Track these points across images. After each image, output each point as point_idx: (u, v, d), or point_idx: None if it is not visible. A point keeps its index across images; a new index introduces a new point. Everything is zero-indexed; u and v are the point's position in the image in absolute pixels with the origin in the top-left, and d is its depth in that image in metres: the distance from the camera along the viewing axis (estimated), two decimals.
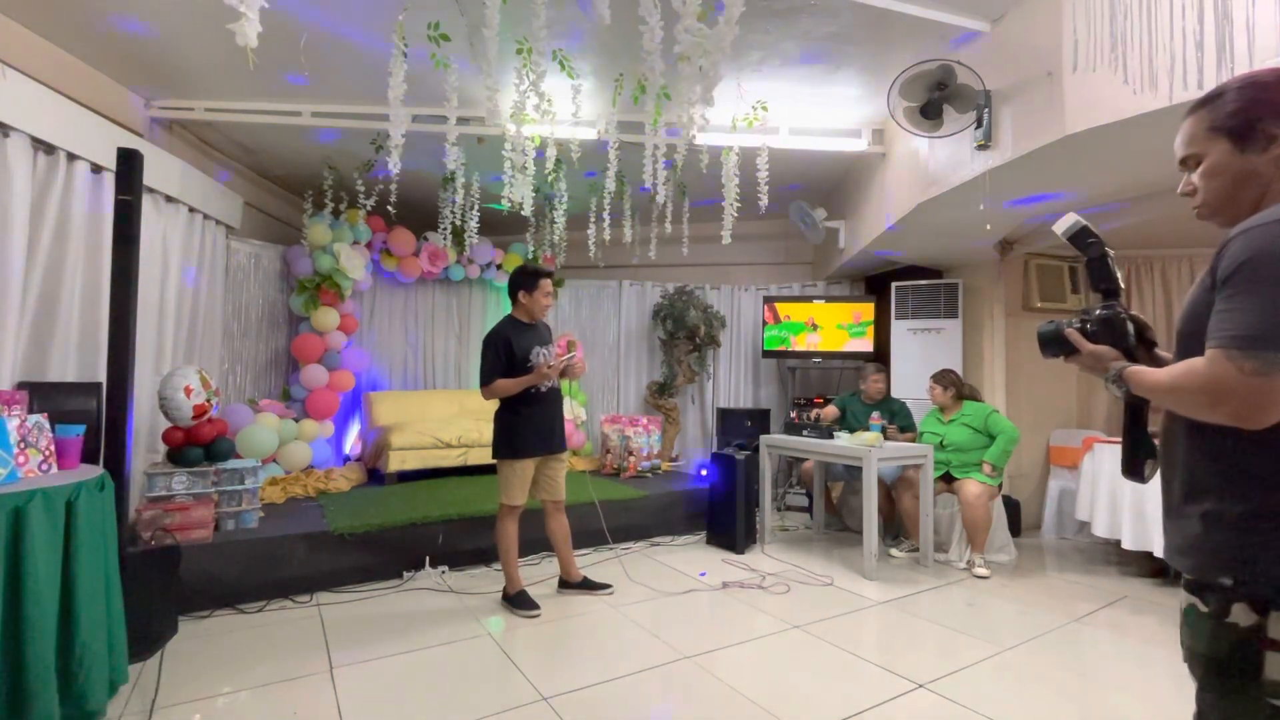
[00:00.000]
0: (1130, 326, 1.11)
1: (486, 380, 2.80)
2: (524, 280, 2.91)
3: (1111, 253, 1.15)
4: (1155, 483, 1.09)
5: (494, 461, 2.88)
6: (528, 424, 2.85)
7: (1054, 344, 1.18)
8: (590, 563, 3.49)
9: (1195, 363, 0.91)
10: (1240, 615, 0.88)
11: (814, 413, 4.35)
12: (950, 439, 3.80)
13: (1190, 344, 0.95)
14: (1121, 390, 1.06)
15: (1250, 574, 0.88)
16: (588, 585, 3.09)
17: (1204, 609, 0.92)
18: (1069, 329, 1.15)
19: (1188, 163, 1.04)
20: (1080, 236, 1.17)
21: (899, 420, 4.16)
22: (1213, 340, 0.88)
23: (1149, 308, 4.52)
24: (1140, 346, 1.13)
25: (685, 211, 4.58)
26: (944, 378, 3.92)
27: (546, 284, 2.93)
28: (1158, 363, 1.11)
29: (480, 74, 2.39)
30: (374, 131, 3.79)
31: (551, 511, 3.02)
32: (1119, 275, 1.14)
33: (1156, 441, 1.10)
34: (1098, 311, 1.14)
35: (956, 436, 3.78)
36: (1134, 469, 1.13)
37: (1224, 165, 0.98)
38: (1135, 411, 1.12)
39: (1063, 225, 1.19)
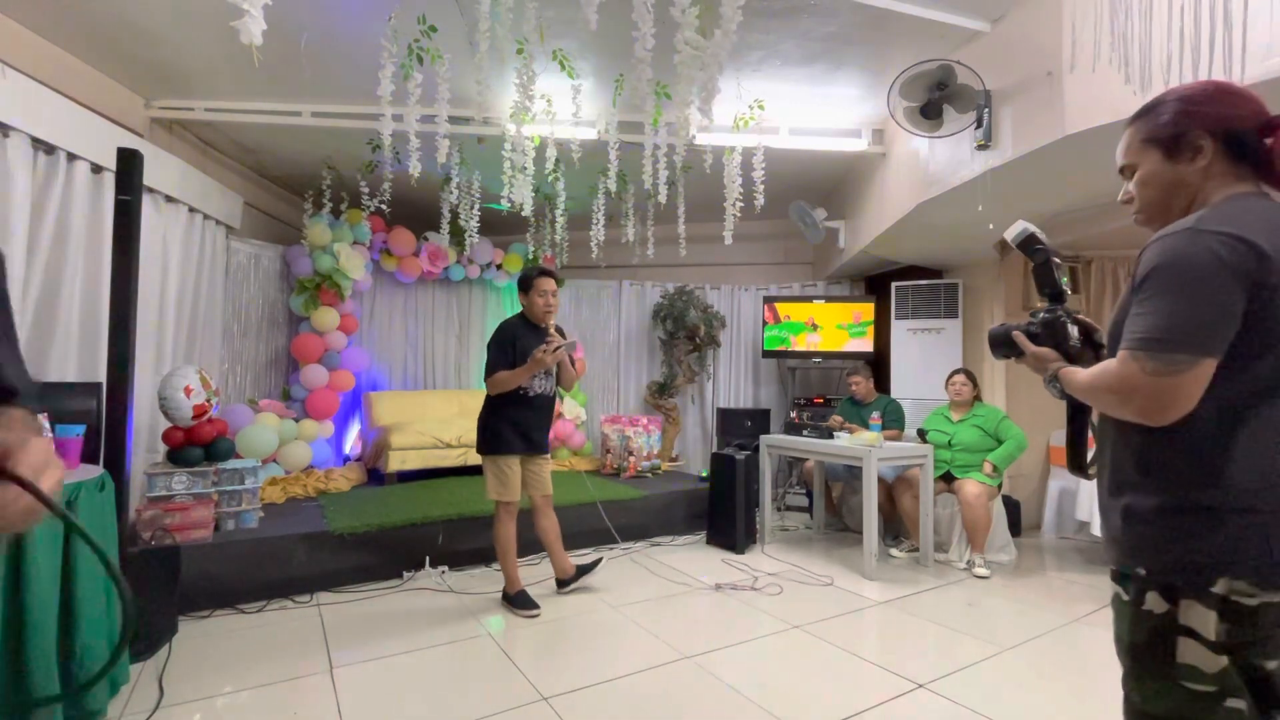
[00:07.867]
0: (1074, 330, 1.15)
1: (490, 373, 2.78)
2: (520, 282, 2.90)
3: (1058, 260, 1.19)
4: None
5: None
6: (507, 422, 2.81)
7: (1002, 345, 1.24)
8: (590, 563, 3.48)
9: (1109, 363, 0.97)
10: (1154, 603, 0.94)
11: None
12: (959, 439, 3.79)
13: (1116, 345, 1.00)
14: (1056, 390, 1.12)
15: (1160, 564, 0.94)
16: (581, 572, 3.07)
17: (1125, 597, 0.99)
18: (1015, 331, 1.20)
19: (1125, 172, 1.08)
20: (1028, 243, 1.21)
21: (888, 418, 4.16)
22: (1124, 342, 0.93)
23: None
24: (1087, 349, 1.16)
25: (683, 211, 4.58)
26: (971, 374, 3.94)
27: (542, 282, 2.83)
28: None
29: (481, 74, 2.39)
30: (374, 132, 3.78)
31: (541, 507, 2.98)
32: (1063, 281, 1.19)
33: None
34: (1041, 315, 1.18)
35: (966, 437, 3.77)
36: (1077, 465, 1.19)
37: (1156, 174, 1.02)
38: (1076, 410, 1.17)
39: (1012, 232, 1.23)
